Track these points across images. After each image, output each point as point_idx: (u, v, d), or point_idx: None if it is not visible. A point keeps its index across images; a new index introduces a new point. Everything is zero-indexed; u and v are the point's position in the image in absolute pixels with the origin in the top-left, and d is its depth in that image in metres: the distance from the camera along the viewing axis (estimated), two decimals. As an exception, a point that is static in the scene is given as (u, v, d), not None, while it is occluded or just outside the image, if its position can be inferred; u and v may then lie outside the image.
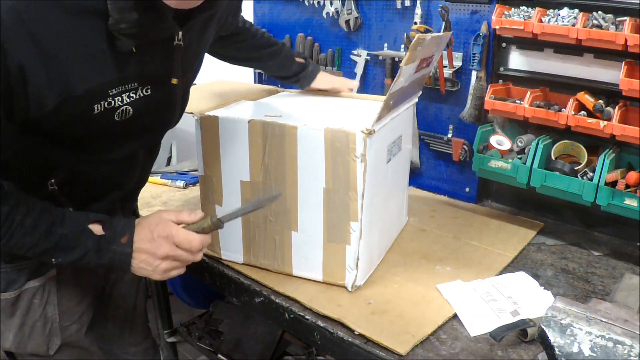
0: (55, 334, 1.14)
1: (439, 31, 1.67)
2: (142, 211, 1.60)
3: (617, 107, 1.35)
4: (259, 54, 1.53)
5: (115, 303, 1.34)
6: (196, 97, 1.42)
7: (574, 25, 1.36)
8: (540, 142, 1.47)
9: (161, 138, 1.17)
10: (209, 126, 1.24)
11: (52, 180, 0.99)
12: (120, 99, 0.91)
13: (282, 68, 1.56)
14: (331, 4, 1.91)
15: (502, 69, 1.65)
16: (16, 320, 1.10)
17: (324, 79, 1.57)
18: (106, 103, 0.89)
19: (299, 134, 1.16)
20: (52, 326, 1.13)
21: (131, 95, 0.92)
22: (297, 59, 1.55)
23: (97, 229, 0.98)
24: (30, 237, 0.93)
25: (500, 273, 1.34)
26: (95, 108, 0.88)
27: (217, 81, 1.79)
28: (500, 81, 1.66)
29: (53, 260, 0.97)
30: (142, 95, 0.94)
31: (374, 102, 1.40)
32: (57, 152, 0.96)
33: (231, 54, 1.52)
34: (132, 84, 0.91)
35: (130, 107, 0.93)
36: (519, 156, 1.53)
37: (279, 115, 1.23)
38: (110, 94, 0.89)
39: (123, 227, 1.00)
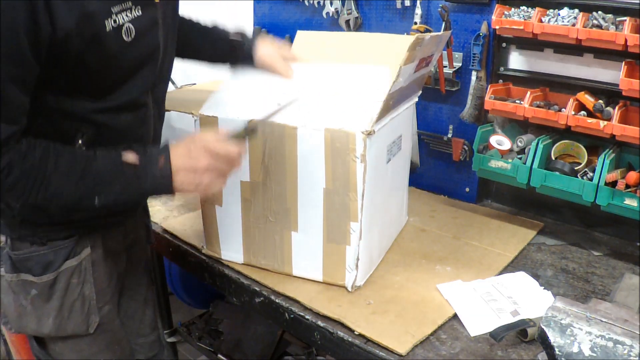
0: (94, 312, 1.17)
1: (439, 31, 1.67)
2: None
3: (617, 107, 1.35)
4: (188, 33, 1.36)
5: (128, 293, 1.35)
6: (196, 98, 1.42)
7: (574, 25, 1.36)
8: (540, 142, 1.47)
9: (159, 82, 1.18)
10: (208, 126, 1.24)
11: (79, 142, 1.01)
12: (122, 17, 0.96)
13: (216, 50, 1.40)
14: (331, 4, 1.91)
15: (502, 69, 1.65)
16: (54, 302, 1.12)
17: (263, 58, 1.34)
18: (112, 21, 0.94)
19: (298, 135, 1.16)
20: (90, 304, 1.16)
21: (128, 14, 0.97)
22: (233, 39, 1.38)
23: (131, 158, 0.98)
24: (67, 180, 0.93)
25: (500, 273, 1.34)
26: (107, 25, 0.93)
27: (216, 81, 1.80)
28: (500, 81, 1.66)
29: (96, 202, 0.96)
30: (136, 15, 0.99)
31: (374, 100, 1.40)
32: (77, 104, 0.99)
33: None
34: (127, 3, 0.97)
35: (131, 25, 0.98)
36: (519, 156, 1.53)
37: (278, 108, 1.21)
38: (113, 11, 0.94)
39: (158, 152, 1.01)
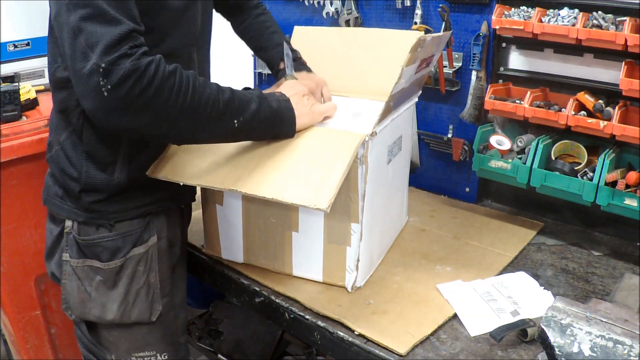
0: (157, 300, 1.18)
1: (439, 31, 1.67)
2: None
3: (617, 107, 1.35)
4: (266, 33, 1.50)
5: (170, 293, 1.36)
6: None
7: (574, 25, 1.36)
8: (540, 142, 1.47)
9: (202, 42, 1.21)
10: None
11: None
12: None
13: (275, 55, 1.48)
14: (331, 4, 1.91)
15: (502, 69, 1.65)
16: (120, 289, 1.13)
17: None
18: None
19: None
20: (154, 293, 1.17)
21: None
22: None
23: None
24: (209, 88, 0.97)
25: (500, 273, 1.34)
26: None
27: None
28: (500, 81, 1.66)
29: (235, 122, 1.00)
30: None
31: (375, 102, 1.40)
32: None
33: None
34: None
35: None
36: (519, 156, 1.53)
37: None
38: None
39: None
